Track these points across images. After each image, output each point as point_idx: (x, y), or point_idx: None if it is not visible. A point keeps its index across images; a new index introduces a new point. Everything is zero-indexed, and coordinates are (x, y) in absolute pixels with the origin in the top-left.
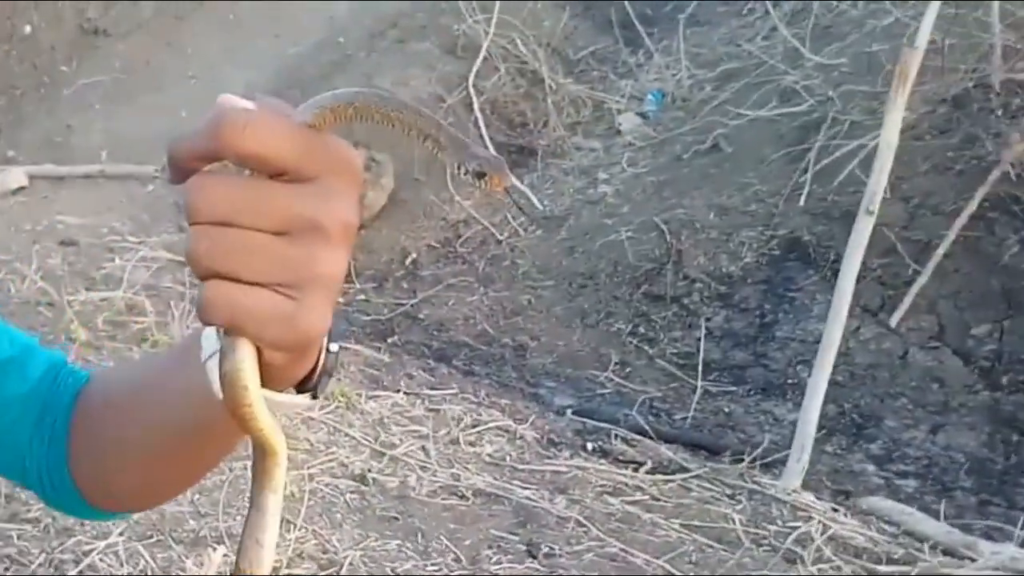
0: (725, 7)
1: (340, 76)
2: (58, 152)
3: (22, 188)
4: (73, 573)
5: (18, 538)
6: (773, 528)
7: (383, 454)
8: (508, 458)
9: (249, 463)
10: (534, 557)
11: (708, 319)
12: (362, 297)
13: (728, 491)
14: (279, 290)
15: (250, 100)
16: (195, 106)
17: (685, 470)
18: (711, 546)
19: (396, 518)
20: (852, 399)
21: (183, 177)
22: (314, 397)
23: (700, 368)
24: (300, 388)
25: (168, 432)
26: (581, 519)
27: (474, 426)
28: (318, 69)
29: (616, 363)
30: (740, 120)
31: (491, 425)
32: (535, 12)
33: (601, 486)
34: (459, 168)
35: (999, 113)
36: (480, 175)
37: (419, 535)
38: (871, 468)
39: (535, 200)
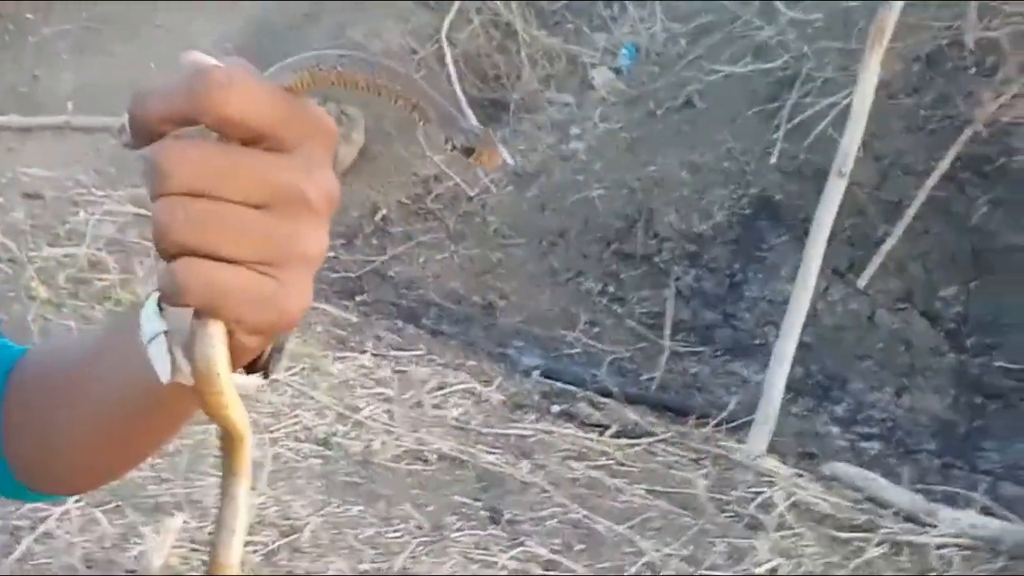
0: None
1: (312, 27)
2: (23, 103)
3: None
4: (29, 539)
5: None
6: (736, 494)
7: (348, 417)
8: (473, 421)
9: (211, 427)
10: (496, 523)
11: (678, 279)
12: (331, 254)
13: (693, 455)
14: (259, 268)
15: (217, 58)
16: (164, 57)
17: (650, 434)
18: (674, 512)
19: (359, 483)
20: (819, 361)
21: (147, 140)
22: (265, 376)
23: (668, 328)
24: (249, 367)
25: (107, 415)
26: (545, 484)
27: (440, 388)
28: (289, 19)
29: (585, 322)
30: (714, 76)
31: (457, 387)
32: None
33: (566, 450)
34: (446, 142)
35: (972, 72)
36: (469, 150)
37: (382, 501)
38: (836, 430)
39: (507, 156)
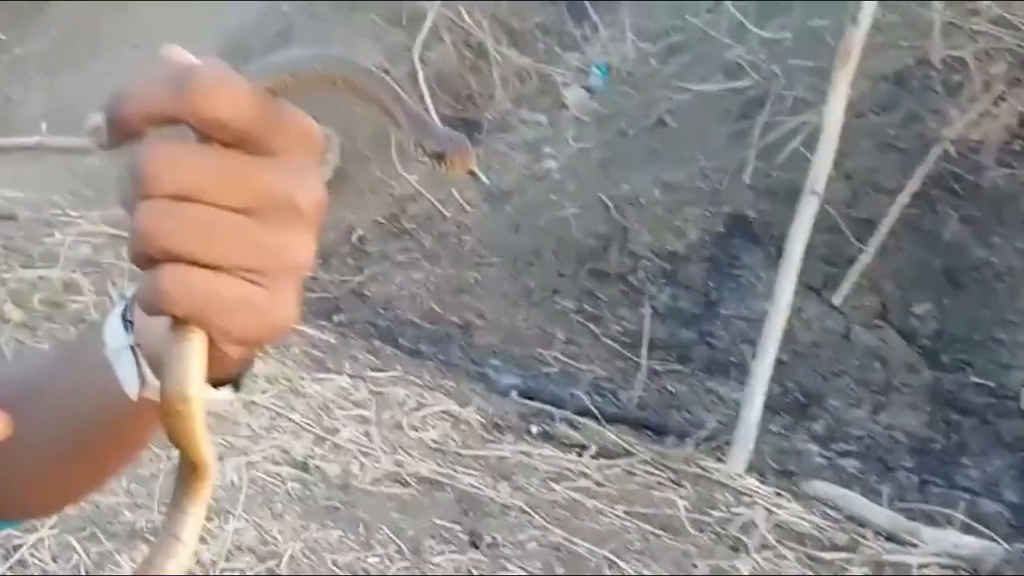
0: None
1: (285, 46)
2: None
3: None
4: (2, 568)
5: None
6: (717, 514)
7: (326, 440)
8: (452, 443)
9: None
10: (476, 547)
11: (653, 297)
12: (308, 274)
13: (672, 476)
14: (247, 276)
15: (196, 58)
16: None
17: (630, 454)
18: (655, 534)
19: (338, 507)
20: (795, 378)
21: (126, 139)
22: (237, 389)
23: (645, 347)
24: (215, 381)
25: (67, 433)
26: (525, 507)
27: (418, 409)
28: (262, 39)
29: (562, 341)
30: (685, 95)
31: (435, 408)
32: None
33: (545, 472)
34: (416, 148)
35: (939, 90)
36: (439, 156)
37: (361, 525)
38: (814, 448)
39: (482, 176)
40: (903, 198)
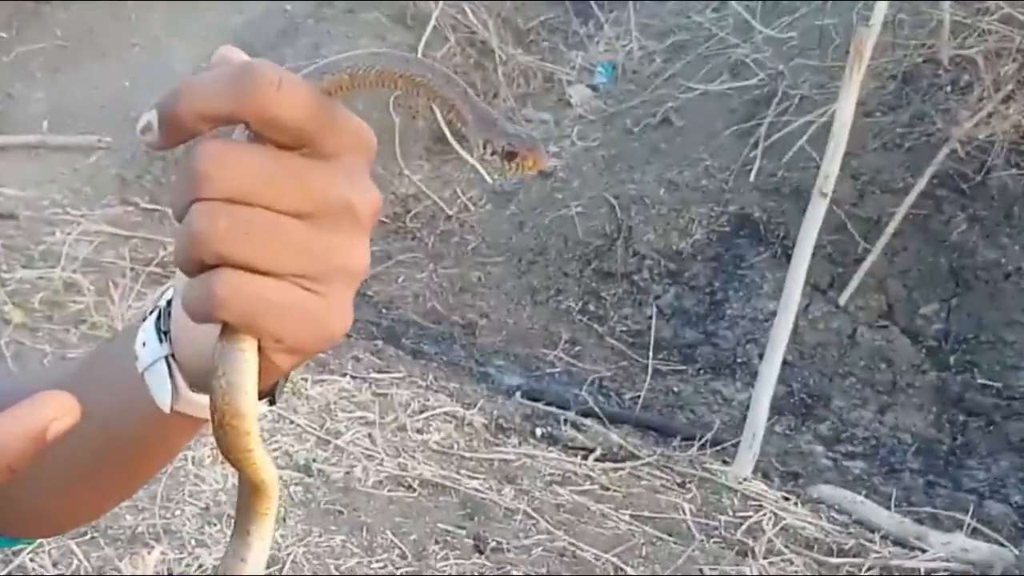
0: None
1: (287, 46)
2: None
3: None
4: (2, 574)
5: None
6: (724, 518)
7: (329, 443)
8: (456, 446)
9: (190, 452)
10: (481, 552)
11: (658, 297)
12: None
13: (678, 479)
14: (301, 283)
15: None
16: (138, 75)
17: (635, 457)
18: (661, 538)
19: (341, 511)
20: (801, 379)
21: (181, 139)
22: (271, 403)
23: (651, 347)
24: None
25: (91, 449)
26: (529, 511)
27: (421, 412)
28: (264, 38)
29: (566, 341)
30: (691, 94)
31: (439, 411)
32: None
33: (550, 475)
34: (484, 147)
35: (948, 89)
36: (511, 155)
37: (364, 529)
38: (820, 449)
39: (485, 174)
40: (910, 198)
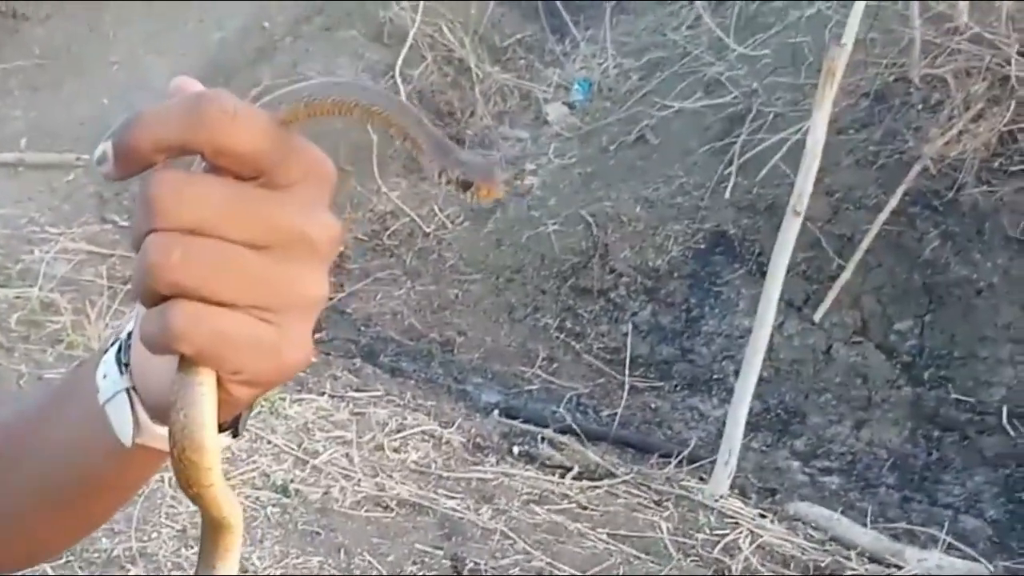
0: None
1: (266, 63)
2: None
3: None
4: None
5: None
6: (701, 537)
7: (306, 463)
8: (433, 465)
9: (167, 474)
10: (459, 573)
11: (634, 313)
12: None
13: (655, 497)
14: (259, 314)
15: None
16: (117, 93)
17: (612, 475)
18: (638, 557)
19: (318, 533)
20: (777, 395)
21: (136, 169)
22: (235, 435)
23: (627, 364)
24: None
25: (49, 483)
26: (507, 530)
27: (399, 431)
28: (243, 55)
29: (543, 358)
30: (666, 111)
31: (416, 429)
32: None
33: (527, 494)
34: (440, 176)
35: (919, 108)
36: (466, 184)
37: (341, 551)
38: (796, 465)
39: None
40: (883, 215)
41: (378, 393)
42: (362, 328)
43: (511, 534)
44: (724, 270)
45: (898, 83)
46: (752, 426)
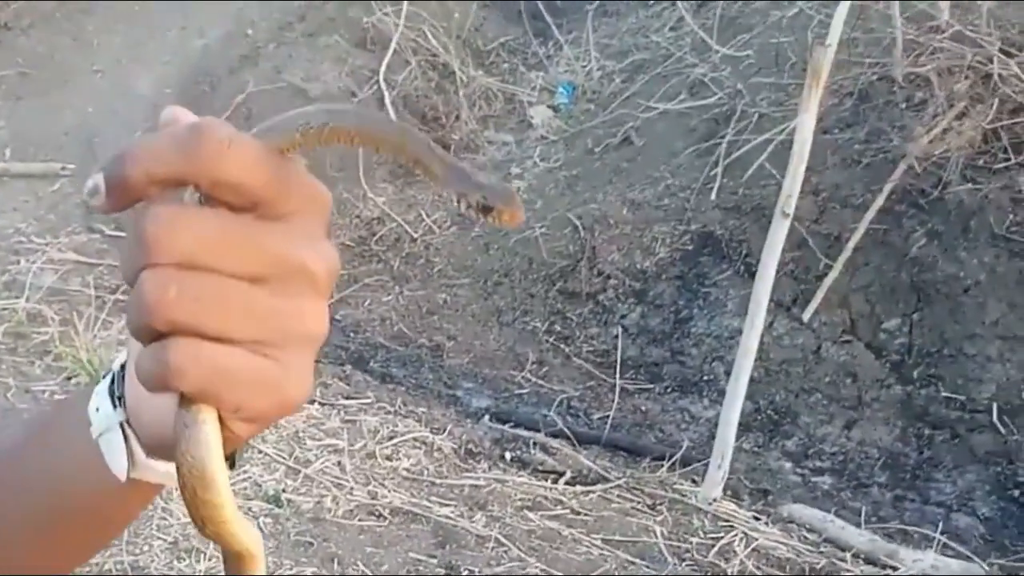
0: None
1: (249, 70)
2: None
3: None
4: None
5: None
6: (695, 540)
7: (298, 472)
8: (426, 472)
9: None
10: None
11: (623, 316)
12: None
13: (649, 501)
14: (259, 349)
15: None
16: (101, 101)
17: (605, 480)
18: (633, 563)
19: (311, 543)
20: (767, 395)
21: (129, 203)
22: (231, 466)
23: (618, 366)
24: None
25: (39, 518)
26: (501, 537)
27: (391, 438)
28: (226, 63)
29: (533, 362)
30: (650, 113)
31: (408, 436)
32: (444, 3)
33: (520, 500)
34: (458, 201)
35: (903, 107)
36: (487, 209)
37: (335, 561)
38: (788, 465)
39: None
40: (870, 214)
41: (368, 400)
42: (351, 334)
43: (505, 541)
44: (712, 271)
45: (882, 82)
46: (743, 427)
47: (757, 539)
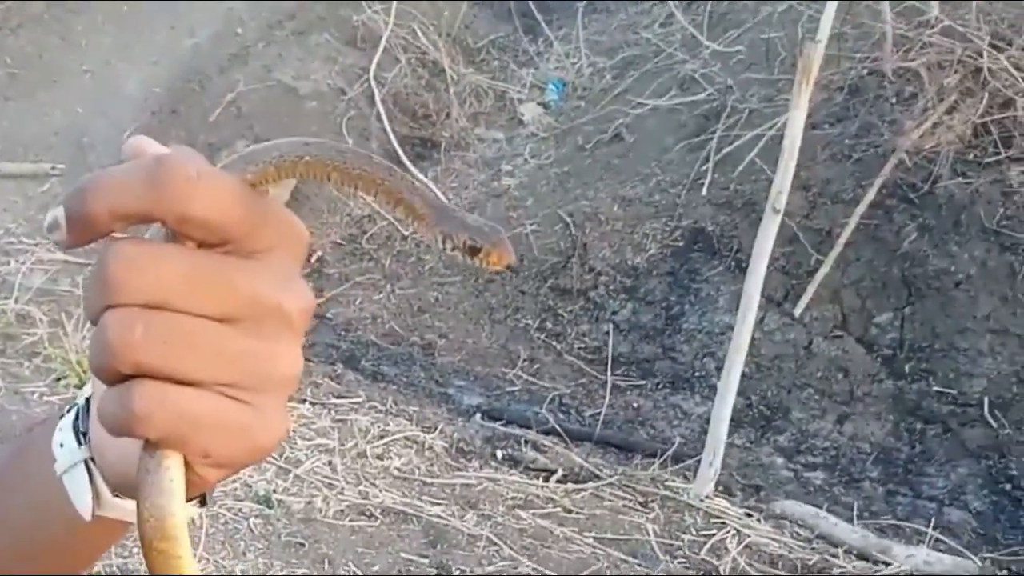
0: None
1: (239, 69)
2: None
3: None
4: None
5: None
6: (688, 538)
7: (289, 472)
8: (417, 471)
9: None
10: None
11: (615, 312)
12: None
13: (641, 498)
14: (229, 393)
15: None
16: (90, 101)
17: (597, 477)
18: (626, 561)
19: (302, 544)
20: (759, 391)
21: (91, 239)
22: (202, 504)
23: (609, 363)
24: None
25: (8, 554)
26: (492, 536)
27: (382, 437)
28: (216, 62)
29: (524, 360)
30: (641, 109)
31: (399, 435)
32: (435, 1)
33: (512, 498)
34: (444, 242)
35: (893, 101)
36: (474, 250)
37: (326, 562)
38: (780, 461)
39: (439, 194)
40: (860, 208)
41: (360, 399)
42: (342, 333)
43: (497, 540)
44: (703, 267)
45: (872, 77)
46: (735, 422)
47: (749, 536)
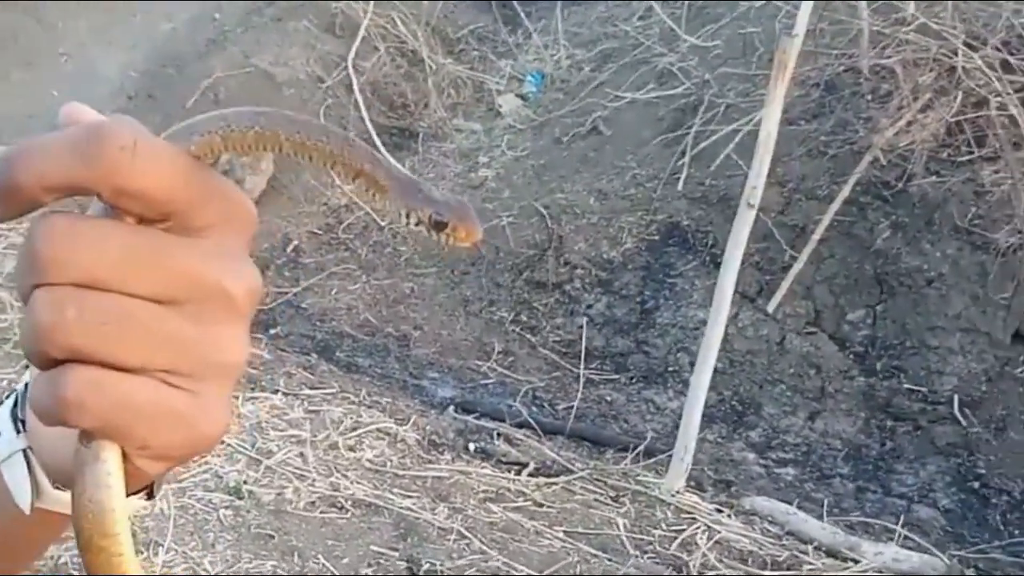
0: None
1: (217, 55)
2: None
3: None
4: None
5: None
6: (658, 533)
7: (260, 463)
8: (389, 464)
9: None
10: (415, 574)
11: (589, 306)
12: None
13: (612, 493)
14: (170, 379)
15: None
16: (66, 84)
17: (568, 471)
18: (596, 555)
19: (271, 535)
20: (731, 386)
21: (20, 212)
22: (149, 497)
23: (583, 356)
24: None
25: None
26: (463, 530)
27: (354, 429)
28: (193, 47)
29: (499, 352)
30: (618, 102)
31: (371, 427)
32: None
33: (483, 491)
34: (408, 216)
35: (869, 98)
36: (439, 225)
37: (295, 554)
38: (751, 456)
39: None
40: (835, 205)
41: (333, 390)
42: (317, 323)
43: (467, 533)
44: (678, 261)
45: (848, 73)
46: (707, 417)
47: (719, 531)
